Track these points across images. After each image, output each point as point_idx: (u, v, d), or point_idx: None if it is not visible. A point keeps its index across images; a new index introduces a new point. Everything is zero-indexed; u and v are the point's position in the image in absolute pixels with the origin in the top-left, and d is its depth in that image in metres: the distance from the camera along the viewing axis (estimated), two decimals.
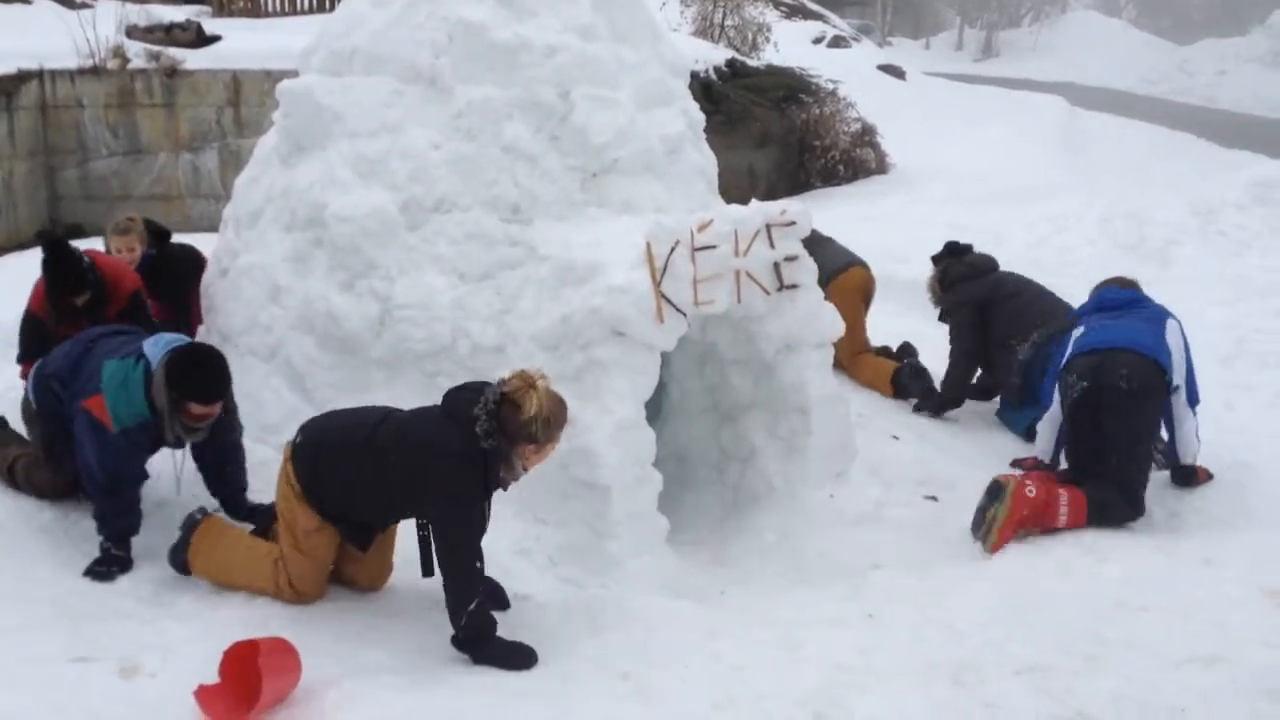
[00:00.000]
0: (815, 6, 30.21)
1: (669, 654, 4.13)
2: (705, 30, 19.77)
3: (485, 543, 4.82)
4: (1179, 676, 3.94)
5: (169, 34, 13.79)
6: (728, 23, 19.94)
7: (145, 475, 4.78)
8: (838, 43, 27.22)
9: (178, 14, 14.70)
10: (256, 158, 6.44)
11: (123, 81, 12.78)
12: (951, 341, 6.80)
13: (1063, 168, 17.63)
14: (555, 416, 4.12)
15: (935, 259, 7.08)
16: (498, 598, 4.48)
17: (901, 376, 6.98)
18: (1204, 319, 8.41)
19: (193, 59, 13.17)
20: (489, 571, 4.28)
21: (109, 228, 6.68)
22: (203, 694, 3.61)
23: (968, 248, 7.01)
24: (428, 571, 4.27)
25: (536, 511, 5.12)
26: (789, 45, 20.87)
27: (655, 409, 5.66)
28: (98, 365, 4.64)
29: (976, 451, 6.27)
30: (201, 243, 7.17)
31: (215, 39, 13.95)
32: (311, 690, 3.72)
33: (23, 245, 11.34)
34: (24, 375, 5.53)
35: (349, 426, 4.36)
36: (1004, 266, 7.07)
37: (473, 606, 4.04)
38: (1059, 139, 20.76)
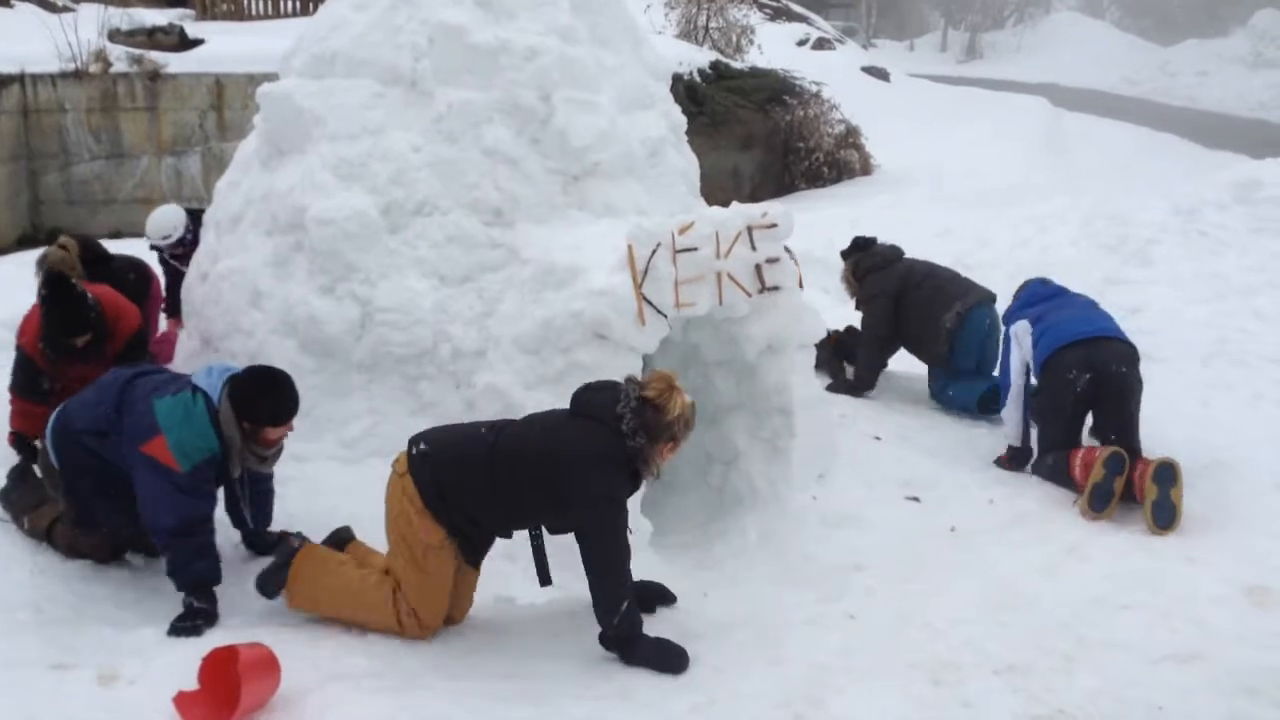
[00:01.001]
0: (799, 9, 30.28)
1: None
2: (689, 32, 19.80)
3: None
4: (1158, 674, 3.97)
5: (151, 37, 13.76)
6: (712, 25, 19.99)
7: (212, 514, 4.47)
8: (822, 45, 27.29)
9: (160, 17, 14.67)
10: (237, 161, 6.43)
11: (105, 85, 12.75)
12: (865, 329, 7.32)
13: (1046, 168, 17.70)
14: (691, 418, 4.15)
15: (844, 254, 7.63)
16: (663, 596, 4.58)
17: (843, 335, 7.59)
18: (1184, 318, 8.46)
19: (175, 62, 13.14)
20: None
21: (38, 259, 6.18)
22: (182, 701, 3.59)
23: (873, 240, 7.48)
24: (546, 580, 4.31)
25: None
26: (773, 47, 20.92)
27: None
28: (147, 407, 4.31)
29: (958, 452, 6.29)
30: None
31: (198, 42, 13.92)
32: (291, 696, 3.71)
33: (3, 250, 11.30)
34: (13, 405, 5.44)
35: (469, 437, 4.27)
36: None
37: (625, 606, 4.05)
38: (1042, 140, 20.86)
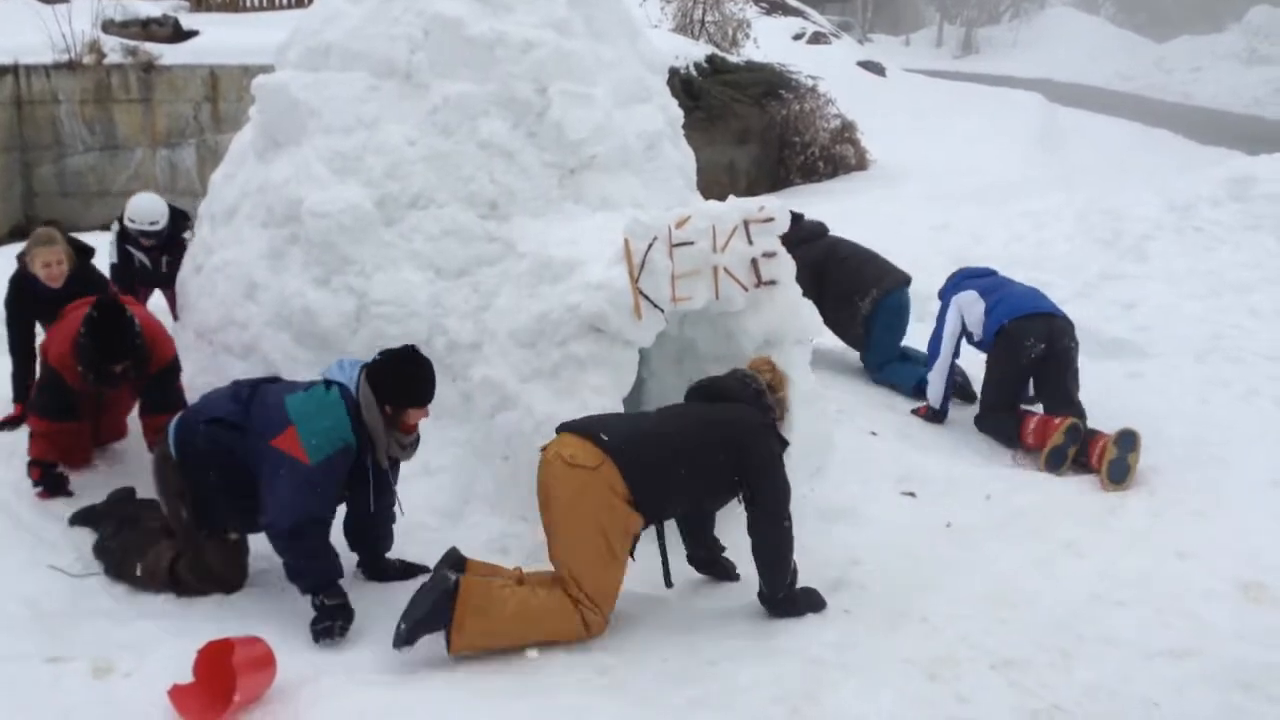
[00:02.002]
0: (795, 3, 30.22)
1: (646, 649, 4.13)
2: (685, 26, 19.75)
3: (463, 540, 4.83)
4: (1153, 670, 3.97)
5: (146, 29, 13.69)
6: (708, 19, 19.94)
7: (331, 519, 4.39)
8: (818, 39, 27.22)
9: (155, 9, 14.58)
10: (232, 154, 6.41)
11: (99, 77, 12.69)
12: None
13: (1041, 164, 17.71)
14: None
15: None
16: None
17: None
18: (1180, 314, 8.48)
19: (170, 54, 13.08)
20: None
21: (30, 240, 5.99)
22: (177, 693, 3.59)
23: (799, 216, 7.42)
24: (670, 583, 4.48)
25: (516, 509, 5.10)
26: (769, 41, 20.87)
27: (634, 405, 5.65)
28: (276, 403, 4.26)
29: (954, 448, 6.31)
30: None
31: (193, 34, 13.86)
32: (287, 688, 3.71)
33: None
34: (37, 427, 5.18)
35: (640, 426, 4.42)
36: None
37: (793, 563, 4.36)
38: (1037, 135, 20.85)
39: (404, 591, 4.35)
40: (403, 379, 4.33)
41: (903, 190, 14.67)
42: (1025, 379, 6.53)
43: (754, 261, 5.35)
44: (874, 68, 25.55)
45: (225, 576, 4.49)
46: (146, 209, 6.93)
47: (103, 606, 4.33)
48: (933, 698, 3.79)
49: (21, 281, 5.91)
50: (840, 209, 12.62)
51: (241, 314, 5.75)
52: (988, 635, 4.20)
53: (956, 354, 6.74)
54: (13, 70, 12.42)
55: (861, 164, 17.40)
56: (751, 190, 14.32)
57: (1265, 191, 9.93)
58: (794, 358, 5.60)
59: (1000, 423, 6.44)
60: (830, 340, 7.65)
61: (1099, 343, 8.16)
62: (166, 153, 12.92)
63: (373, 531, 4.64)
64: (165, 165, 12.91)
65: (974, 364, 6.93)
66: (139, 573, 4.50)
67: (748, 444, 4.33)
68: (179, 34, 13.80)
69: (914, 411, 6.82)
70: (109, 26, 13.51)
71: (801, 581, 4.46)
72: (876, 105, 20.25)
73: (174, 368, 5.42)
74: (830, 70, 20.02)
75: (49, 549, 4.67)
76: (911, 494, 5.65)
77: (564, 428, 4.37)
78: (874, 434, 6.34)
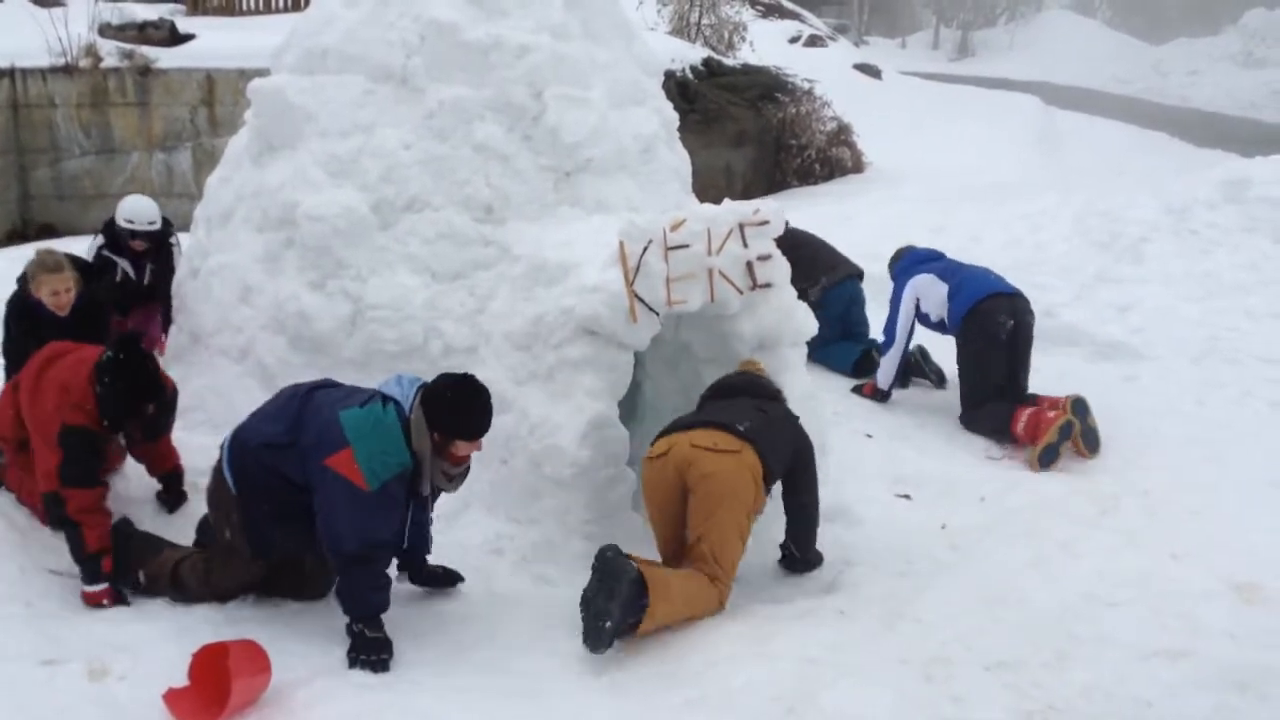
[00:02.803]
0: (792, 6, 30.24)
1: (643, 650, 4.14)
2: (681, 29, 19.76)
3: (458, 541, 4.84)
4: (1148, 670, 3.98)
5: (142, 32, 13.70)
6: (704, 22, 19.95)
7: (401, 542, 4.29)
8: (814, 42, 27.25)
9: (151, 12, 14.60)
10: (228, 157, 6.41)
11: (95, 80, 12.70)
12: None
13: (1037, 166, 17.72)
14: None
15: None
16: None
17: None
18: (1176, 316, 8.49)
19: (166, 58, 13.10)
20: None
21: (31, 265, 5.55)
22: (172, 697, 3.60)
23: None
24: None
25: (510, 510, 5.11)
26: (765, 44, 20.89)
27: (630, 408, 5.66)
28: (330, 418, 4.05)
29: (949, 450, 6.31)
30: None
31: (189, 38, 13.87)
32: (282, 691, 3.71)
33: None
34: (75, 500, 4.45)
35: (754, 419, 4.69)
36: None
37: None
38: (1034, 138, 20.87)
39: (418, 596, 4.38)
40: (455, 408, 4.14)
41: (899, 193, 14.66)
42: (1003, 359, 6.63)
43: (749, 264, 5.35)
44: (870, 70, 25.56)
45: (235, 591, 4.39)
46: (145, 209, 6.76)
47: (98, 609, 4.32)
48: (928, 698, 3.80)
49: (23, 306, 5.58)
50: (837, 211, 12.64)
51: (237, 317, 5.76)
52: (983, 636, 4.21)
53: (910, 337, 7.00)
54: (9, 74, 12.43)
55: (858, 167, 17.40)
56: (747, 193, 14.34)
57: (1261, 194, 9.95)
58: (789, 360, 5.61)
59: (991, 413, 6.51)
60: None
61: (1095, 345, 8.18)
62: (163, 156, 12.93)
63: (411, 541, 4.45)
64: (161, 168, 12.92)
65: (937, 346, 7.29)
66: (141, 581, 4.43)
67: (801, 431, 4.88)
68: (175, 38, 13.81)
69: (857, 390, 7.09)
70: (105, 30, 13.52)
71: (796, 584, 4.48)
72: (873, 108, 20.26)
73: (175, 398, 5.05)
74: (826, 73, 20.03)
75: (44, 551, 4.65)
76: (907, 496, 5.66)
77: (677, 426, 4.69)
78: (869, 436, 6.35)
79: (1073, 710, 3.74)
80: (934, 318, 6.86)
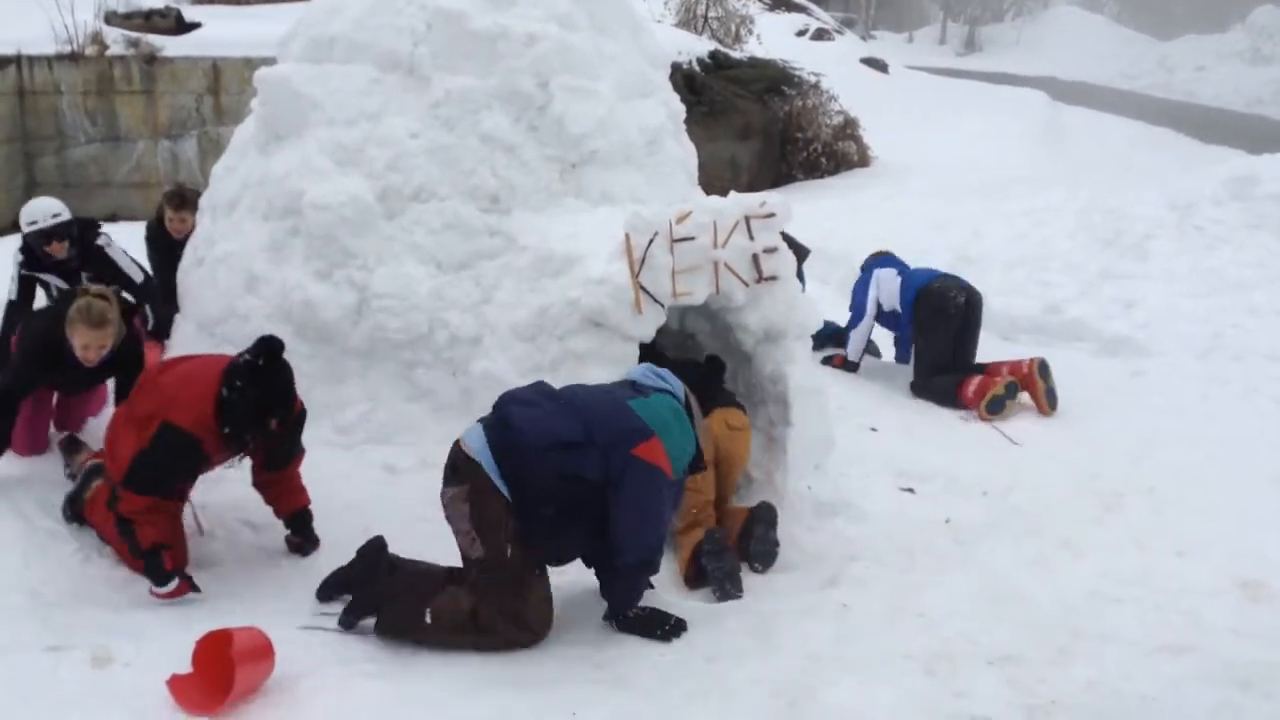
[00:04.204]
0: None
1: (644, 644, 4.14)
2: (688, 21, 19.76)
3: None
4: (1151, 666, 3.97)
5: (148, 20, 13.69)
6: (711, 14, 19.94)
7: None
8: (821, 35, 27.23)
9: (157, 0, 14.59)
10: (234, 146, 6.41)
11: (101, 68, 12.69)
12: None
13: (1043, 162, 17.69)
14: None
15: None
16: None
17: None
18: (1180, 313, 8.48)
19: (172, 46, 13.09)
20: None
21: (74, 312, 4.79)
22: (175, 684, 3.59)
23: None
24: None
25: None
26: (772, 37, 20.89)
27: None
28: (621, 409, 4.00)
29: (953, 444, 6.30)
30: None
31: (195, 26, 13.86)
32: (285, 680, 3.71)
33: (1, 231, 11.25)
34: (143, 508, 4.22)
35: None
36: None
37: None
38: (1039, 133, 20.84)
39: None
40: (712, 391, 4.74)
41: (905, 187, 14.66)
42: (954, 335, 7.12)
43: (755, 257, 5.34)
44: (877, 64, 25.54)
45: (539, 624, 4.06)
46: (43, 204, 6.00)
47: (102, 596, 4.32)
48: (930, 694, 3.80)
49: (50, 341, 4.91)
50: (842, 205, 12.64)
51: (243, 306, 5.76)
52: (985, 631, 4.20)
53: (876, 316, 7.52)
54: (15, 61, 12.42)
55: (864, 160, 17.39)
56: (753, 186, 14.31)
57: (1267, 191, 9.94)
58: (794, 353, 5.60)
59: (938, 385, 7.07)
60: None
61: (1100, 341, 8.18)
62: (168, 144, 12.92)
63: None
64: (167, 157, 12.92)
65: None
66: (428, 619, 4.00)
67: None
68: (181, 26, 13.80)
69: (827, 361, 7.53)
70: (111, 18, 13.51)
71: (799, 579, 4.50)
72: (879, 102, 20.24)
73: (303, 419, 4.65)
74: (833, 67, 20.02)
75: (49, 539, 4.66)
76: (910, 490, 5.65)
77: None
78: (874, 430, 6.34)
79: (1076, 706, 3.73)
80: (886, 307, 7.42)
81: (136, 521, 4.22)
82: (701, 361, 5.04)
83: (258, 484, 4.69)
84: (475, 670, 3.91)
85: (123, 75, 12.76)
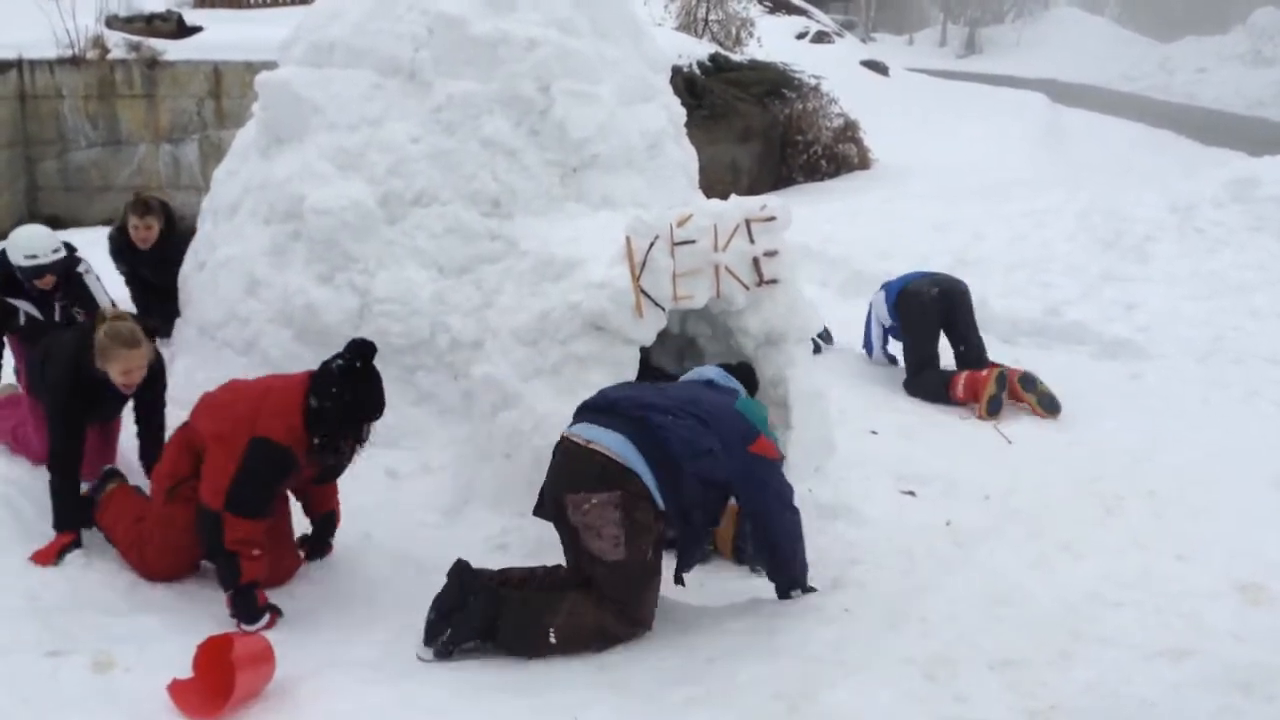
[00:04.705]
0: (799, 2, 30.24)
1: (644, 647, 4.14)
2: (689, 25, 19.78)
3: (464, 536, 4.84)
4: (1152, 670, 3.96)
5: (149, 24, 13.69)
6: (711, 17, 19.97)
7: None
8: (821, 38, 27.28)
9: (158, 4, 14.60)
10: (235, 150, 6.43)
11: (102, 72, 12.69)
12: None
13: (1043, 164, 17.70)
14: None
15: None
16: None
17: None
18: (1181, 315, 8.48)
19: (174, 50, 13.09)
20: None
21: (107, 333, 4.59)
22: (176, 688, 3.59)
23: None
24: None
25: (515, 506, 5.11)
26: (772, 40, 20.92)
27: None
28: (729, 412, 4.24)
29: (954, 448, 6.30)
30: None
31: (196, 30, 13.86)
32: (286, 684, 3.71)
33: (1, 235, 11.26)
34: (242, 533, 4.10)
35: None
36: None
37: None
38: (1040, 135, 20.86)
39: (388, 592, 4.38)
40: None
41: (905, 189, 14.66)
42: (934, 324, 7.29)
43: (756, 260, 5.35)
44: (877, 67, 25.58)
45: (650, 618, 4.20)
46: (44, 238, 5.79)
47: (103, 601, 4.32)
48: (930, 697, 3.79)
49: (82, 381, 4.66)
50: (843, 208, 12.64)
51: (243, 310, 5.76)
52: (986, 635, 4.20)
53: (886, 343, 7.71)
54: (16, 65, 12.43)
55: (864, 163, 17.40)
56: (754, 189, 14.32)
57: (1268, 193, 9.94)
58: (795, 356, 5.61)
59: (927, 381, 7.15)
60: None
61: (1101, 343, 8.18)
62: (170, 148, 12.92)
63: None
64: (168, 160, 12.92)
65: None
66: (553, 639, 4.00)
67: None
68: (183, 30, 13.80)
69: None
70: (113, 22, 13.52)
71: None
72: (880, 104, 20.25)
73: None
74: (833, 69, 20.04)
75: (48, 541, 4.65)
76: (911, 493, 5.65)
77: None
78: (874, 433, 6.35)
79: (1076, 710, 3.73)
80: (885, 323, 7.61)
81: (243, 556, 4.10)
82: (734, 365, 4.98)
83: (294, 488, 4.60)
84: (475, 674, 3.91)
85: (124, 79, 12.77)
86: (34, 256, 5.66)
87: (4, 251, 5.82)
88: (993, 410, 6.77)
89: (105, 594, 4.40)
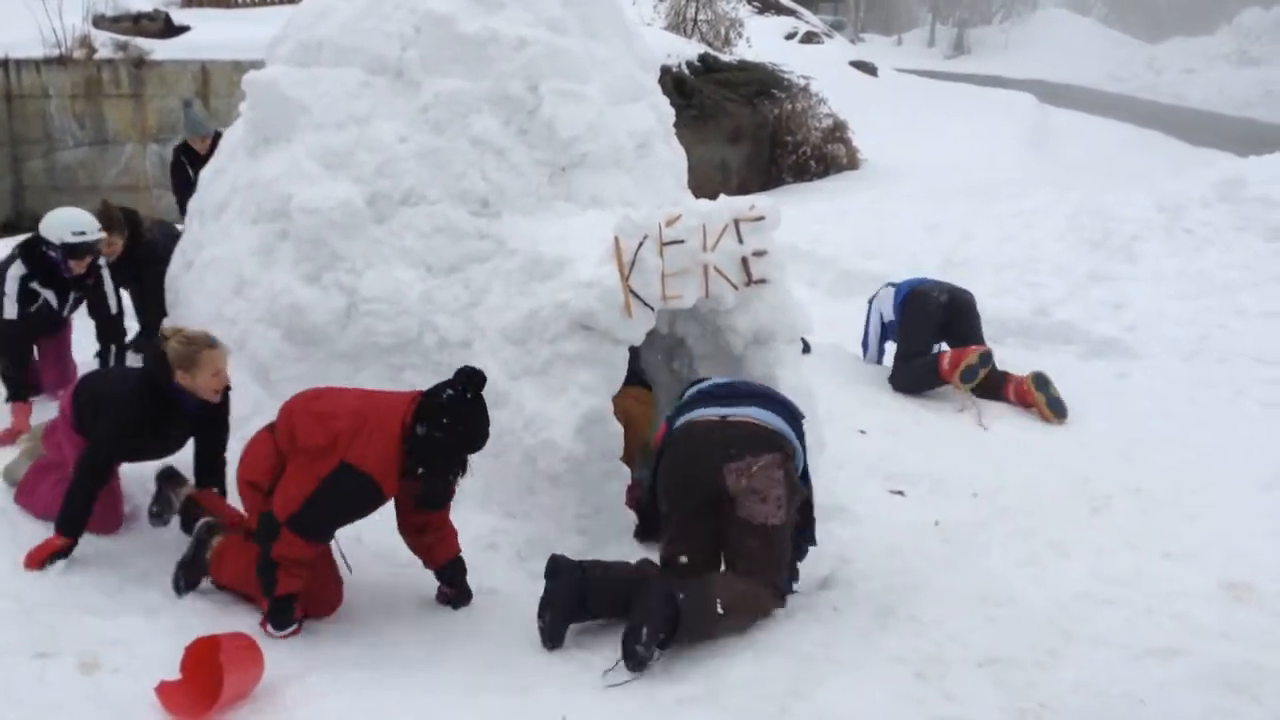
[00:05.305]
0: (788, 2, 30.27)
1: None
2: (678, 25, 19.80)
3: None
4: (1140, 669, 3.98)
5: (137, 24, 13.67)
6: (700, 17, 20.00)
7: None
8: (810, 39, 27.31)
9: (145, 4, 14.56)
10: (222, 149, 6.40)
11: (89, 71, 12.67)
12: None
13: (1031, 164, 17.76)
14: None
15: None
16: None
17: None
18: (1168, 315, 8.51)
19: (161, 49, 13.07)
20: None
21: (182, 348, 4.41)
22: (164, 690, 3.58)
23: None
24: None
25: (504, 505, 5.11)
26: (761, 41, 20.95)
27: None
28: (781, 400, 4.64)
29: (942, 446, 6.31)
30: None
31: (184, 29, 13.84)
32: (274, 686, 3.70)
33: None
34: (303, 555, 4.03)
35: None
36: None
37: None
38: (1028, 136, 20.92)
39: (376, 594, 4.37)
40: None
41: (894, 189, 14.70)
42: (936, 327, 7.38)
43: (744, 260, 5.34)
44: (866, 67, 25.62)
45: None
46: (89, 216, 5.84)
47: (90, 602, 4.30)
48: (920, 696, 3.80)
49: (157, 379, 4.48)
50: (831, 208, 12.66)
51: (231, 310, 5.74)
52: (975, 634, 4.21)
53: (884, 340, 7.73)
54: (3, 64, 12.40)
55: (853, 163, 17.45)
56: (743, 189, 14.33)
57: (1255, 193, 9.98)
58: (784, 356, 5.60)
59: (916, 366, 7.27)
60: (819, 338, 7.70)
61: (1089, 342, 8.21)
62: (157, 148, 12.89)
63: None
64: (155, 160, 12.88)
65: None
66: (720, 609, 4.03)
67: None
68: (170, 29, 13.77)
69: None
70: (100, 21, 13.48)
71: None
72: (868, 105, 20.29)
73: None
74: (822, 70, 20.08)
75: (35, 542, 4.63)
76: (900, 492, 5.66)
77: None
78: (863, 432, 6.35)
79: (1065, 708, 3.74)
80: (886, 319, 7.65)
81: (283, 568, 4.02)
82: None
83: (405, 528, 4.42)
84: (465, 676, 3.91)
85: (111, 78, 12.74)
86: (82, 233, 5.69)
87: (28, 241, 5.83)
88: (966, 378, 6.96)
89: (93, 595, 4.37)
